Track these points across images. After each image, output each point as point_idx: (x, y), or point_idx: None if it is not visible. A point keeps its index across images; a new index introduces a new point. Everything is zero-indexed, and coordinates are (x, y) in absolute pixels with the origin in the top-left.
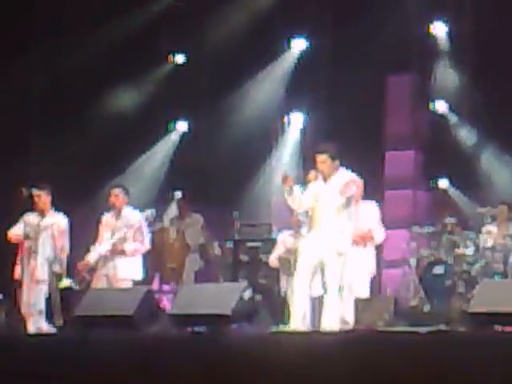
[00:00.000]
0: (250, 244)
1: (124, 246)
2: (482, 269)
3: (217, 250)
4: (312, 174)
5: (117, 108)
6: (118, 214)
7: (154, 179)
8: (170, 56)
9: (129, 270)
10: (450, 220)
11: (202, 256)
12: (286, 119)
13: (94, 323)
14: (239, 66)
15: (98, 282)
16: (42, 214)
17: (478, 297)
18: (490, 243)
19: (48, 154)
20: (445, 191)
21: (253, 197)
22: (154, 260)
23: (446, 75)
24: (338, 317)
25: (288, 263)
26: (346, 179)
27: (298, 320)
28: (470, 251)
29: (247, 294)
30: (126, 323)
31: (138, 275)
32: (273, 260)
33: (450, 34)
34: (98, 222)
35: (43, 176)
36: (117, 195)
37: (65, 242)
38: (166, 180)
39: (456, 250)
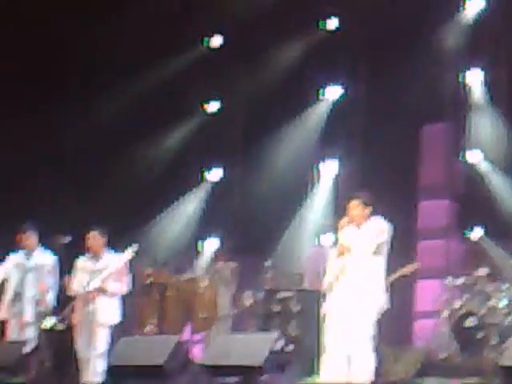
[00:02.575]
0: (281, 294)
1: (106, 285)
2: None
3: (249, 300)
4: (344, 220)
5: (152, 156)
6: (96, 257)
7: (186, 227)
8: (205, 104)
9: (108, 315)
10: (483, 271)
11: (234, 306)
12: (319, 167)
13: (125, 374)
14: (273, 114)
15: (78, 325)
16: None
17: (511, 350)
18: None
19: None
20: (478, 242)
21: (285, 246)
22: (184, 309)
23: (481, 124)
24: (370, 369)
25: None
26: (378, 226)
27: (329, 371)
28: (503, 303)
29: (279, 345)
30: (156, 373)
31: (117, 319)
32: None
33: (484, 83)
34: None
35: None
36: (93, 238)
37: (52, 282)
38: (198, 228)
39: (489, 301)
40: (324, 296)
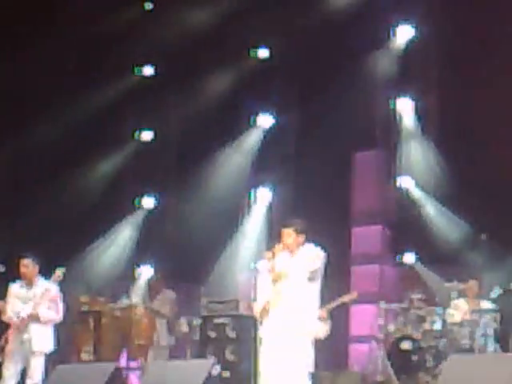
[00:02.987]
0: (217, 320)
1: (39, 311)
2: (450, 344)
3: (184, 327)
4: (278, 247)
5: (86, 183)
6: (30, 284)
7: (121, 254)
8: (138, 132)
9: (42, 343)
10: (416, 295)
11: (170, 332)
12: (253, 194)
13: None
14: (206, 142)
15: (11, 353)
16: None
17: (446, 372)
18: (457, 318)
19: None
20: (411, 266)
21: (219, 273)
22: (120, 336)
23: (412, 151)
24: None
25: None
26: (311, 253)
27: None
28: (437, 326)
29: (215, 371)
30: None
31: (51, 347)
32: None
33: (415, 111)
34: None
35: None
36: (26, 265)
37: (59, 308)
38: (133, 256)
39: (423, 325)
40: (260, 322)
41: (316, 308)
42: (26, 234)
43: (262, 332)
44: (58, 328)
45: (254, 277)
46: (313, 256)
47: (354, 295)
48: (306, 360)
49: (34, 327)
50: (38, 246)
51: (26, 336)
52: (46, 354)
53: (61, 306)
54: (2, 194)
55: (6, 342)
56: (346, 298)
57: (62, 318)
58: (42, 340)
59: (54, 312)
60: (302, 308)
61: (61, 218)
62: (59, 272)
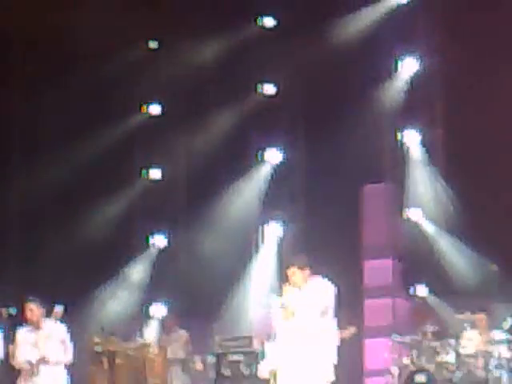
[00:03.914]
0: (231, 357)
1: (46, 354)
2: (464, 376)
3: (199, 365)
4: (286, 287)
5: (96, 223)
6: (37, 328)
7: (133, 293)
8: (146, 171)
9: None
10: (429, 328)
11: (185, 371)
12: (264, 230)
13: None
14: (215, 179)
15: None
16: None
17: None
18: (471, 350)
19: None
20: (423, 299)
21: (232, 309)
22: (134, 376)
23: (420, 183)
24: None
25: None
26: (320, 287)
27: None
28: (451, 358)
29: None
30: None
31: None
32: (263, 371)
33: (422, 142)
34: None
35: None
36: (32, 310)
37: (68, 348)
38: (146, 294)
39: (437, 357)
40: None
41: (333, 343)
42: (37, 275)
43: (277, 367)
44: (72, 369)
45: (268, 313)
46: (323, 290)
47: (352, 330)
48: None
49: (44, 370)
50: (50, 288)
51: (37, 381)
52: None
53: (70, 346)
54: (12, 235)
55: None
56: (344, 334)
57: (71, 359)
58: (54, 383)
59: (63, 353)
60: (317, 347)
61: (72, 258)
62: (58, 309)
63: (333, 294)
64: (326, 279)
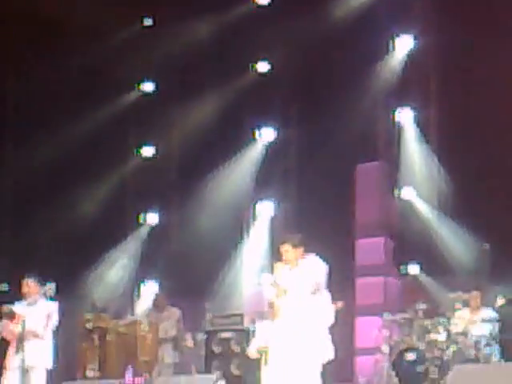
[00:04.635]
0: (222, 335)
1: (37, 329)
2: (455, 354)
3: (189, 342)
4: (277, 264)
5: (88, 200)
6: (33, 304)
7: (125, 271)
8: (139, 148)
9: (41, 358)
10: (420, 306)
11: (176, 348)
12: (256, 208)
13: None
14: (208, 157)
15: (11, 371)
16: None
17: (451, 383)
18: (461, 328)
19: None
20: (415, 277)
21: (224, 287)
22: (125, 352)
23: (413, 162)
24: None
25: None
26: (313, 265)
27: None
28: (441, 337)
29: None
30: None
31: (49, 363)
32: (252, 351)
33: (416, 121)
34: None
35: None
36: (30, 286)
37: (50, 324)
38: (137, 272)
39: (428, 335)
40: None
41: (324, 321)
42: (28, 252)
43: (268, 346)
44: (62, 345)
45: (259, 291)
46: (315, 268)
47: (339, 304)
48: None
49: (31, 343)
50: (42, 265)
51: (24, 352)
52: (47, 371)
53: (53, 322)
54: (4, 213)
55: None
56: None
57: (49, 335)
58: (41, 355)
59: (43, 327)
60: (309, 325)
61: (64, 236)
62: (49, 286)
63: (325, 272)
64: (318, 257)
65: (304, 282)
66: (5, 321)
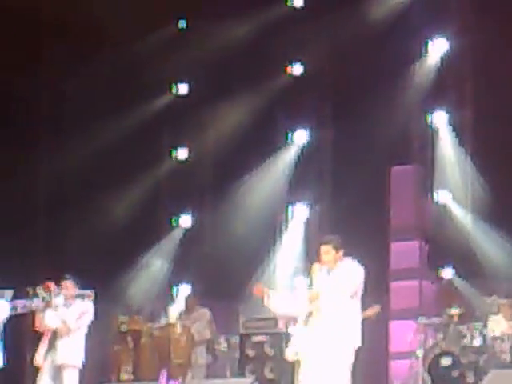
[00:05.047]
0: (256, 338)
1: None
2: (490, 359)
3: (223, 345)
4: (315, 265)
5: (122, 203)
6: (69, 305)
7: (158, 274)
8: (173, 151)
9: (73, 357)
10: (456, 310)
11: (209, 351)
12: (290, 211)
13: None
14: (242, 160)
15: (43, 369)
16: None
17: None
18: (497, 333)
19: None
20: (450, 281)
21: None
22: (159, 355)
23: (448, 165)
24: None
25: None
26: (350, 269)
27: None
28: (477, 342)
29: None
30: None
31: (79, 360)
32: (290, 354)
33: (451, 124)
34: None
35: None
36: (68, 287)
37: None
38: (170, 275)
39: (463, 340)
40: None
41: (358, 325)
42: (63, 256)
43: (302, 349)
44: (96, 347)
45: (293, 294)
46: (353, 272)
47: (376, 309)
48: (346, 378)
49: (61, 341)
50: (76, 268)
51: (53, 350)
52: (79, 370)
53: (84, 319)
54: (38, 215)
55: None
56: (369, 312)
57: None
58: (70, 353)
59: (74, 321)
60: (342, 326)
61: (99, 238)
62: (90, 293)
63: (362, 276)
64: (356, 261)
65: (341, 285)
66: (39, 314)
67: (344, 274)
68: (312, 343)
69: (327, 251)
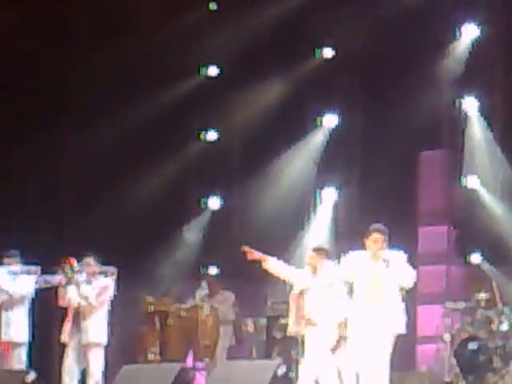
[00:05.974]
0: (283, 321)
1: (91, 297)
2: None
3: (250, 327)
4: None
5: (150, 184)
6: (90, 282)
7: (187, 255)
8: (202, 133)
9: (98, 335)
10: (483, 295)
11: (235, 333)
12: (319, 195)
13: None
14: (271, 143)
15: (69, 348)
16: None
17: None
18: None
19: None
20: (478, 266)
21: None
22: (186, 336)
23: (478, 150)
24: None
25: None
26: (402, 259)
27: None
28: (504, 326)
29: (281, 371)
30: None
31: (106, 340)
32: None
33: (480, 109)
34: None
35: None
36: (89, 264)
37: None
38: (199, 256)
39: (490, 325)
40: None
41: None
42: (91, 237)
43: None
44: (123, 327)
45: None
46: (405, 264)
47: None
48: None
49: (85, 321)
50: (105, 249)
51: (77, 327)
52: (104, 348)
53: (106, 294)
54: (67, 199)
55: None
56: None
57: (101, 307)
58: (95, 332)
59: (95, 295)
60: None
61: (127, 220)
62: (112, 271)
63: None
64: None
65: (397, 276)
66: (62, 289)
67: (399, 264)
68: (363, 327)
69: (377, 239)
